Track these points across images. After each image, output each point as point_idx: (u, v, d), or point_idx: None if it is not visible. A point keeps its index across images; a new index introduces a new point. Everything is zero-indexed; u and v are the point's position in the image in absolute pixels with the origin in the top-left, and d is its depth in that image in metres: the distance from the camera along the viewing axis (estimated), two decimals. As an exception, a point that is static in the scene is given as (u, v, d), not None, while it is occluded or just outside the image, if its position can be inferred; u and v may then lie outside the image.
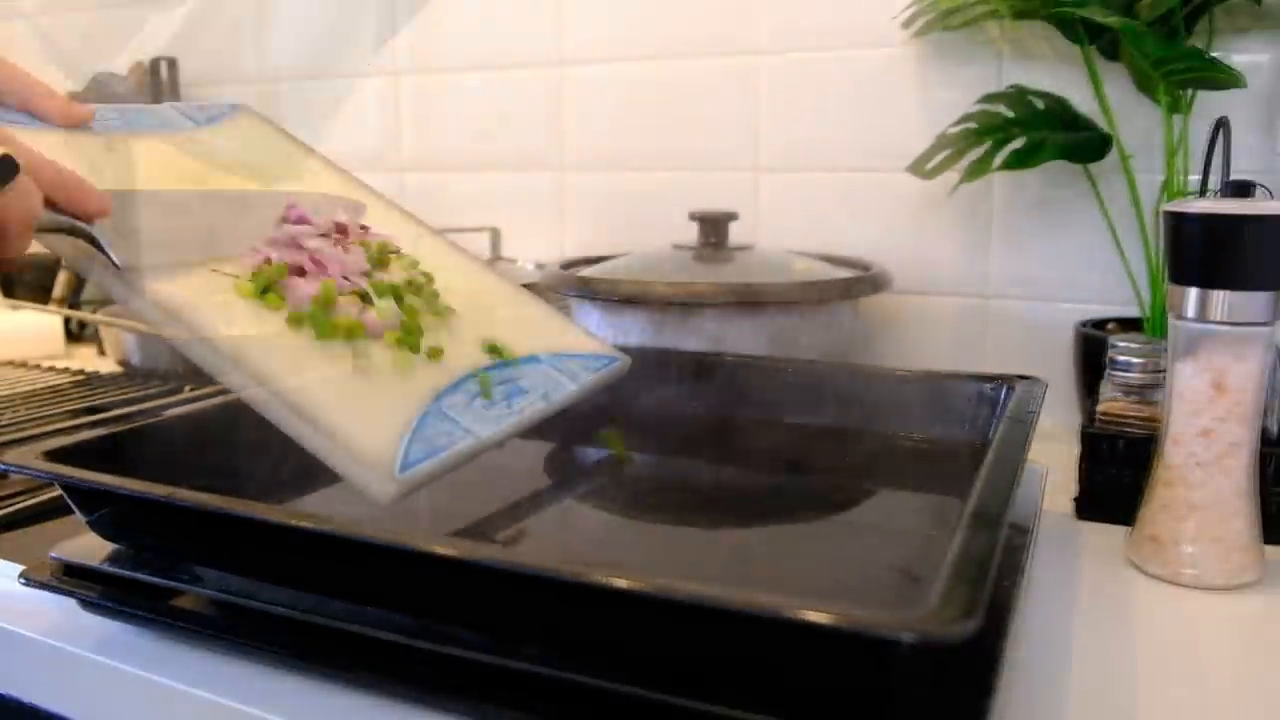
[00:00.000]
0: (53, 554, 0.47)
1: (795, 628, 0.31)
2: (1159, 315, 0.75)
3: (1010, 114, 0.79)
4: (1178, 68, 0.68)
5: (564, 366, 0.52)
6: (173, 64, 1.26)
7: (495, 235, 1.04)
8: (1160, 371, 0.60)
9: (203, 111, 0.56)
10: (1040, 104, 0.79)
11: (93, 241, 0.44)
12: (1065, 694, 0.42)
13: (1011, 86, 0.80)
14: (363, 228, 0.53)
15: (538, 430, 0.66)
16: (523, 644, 0.37)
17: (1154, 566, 0.54)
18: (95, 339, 1.16)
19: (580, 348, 0.55)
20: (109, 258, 0.45)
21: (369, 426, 0.43)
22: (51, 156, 0.42)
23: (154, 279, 0.46)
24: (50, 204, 0.43)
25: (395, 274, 0.51)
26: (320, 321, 0.46)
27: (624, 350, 0.74)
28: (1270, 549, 0.55)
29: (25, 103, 0.48)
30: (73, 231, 0.44)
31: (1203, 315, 0.51)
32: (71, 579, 0.46)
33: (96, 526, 0.47)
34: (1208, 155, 0.56)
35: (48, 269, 1.31)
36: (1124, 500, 0.60)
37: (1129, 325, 0.80)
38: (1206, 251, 0.50)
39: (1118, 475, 0.61)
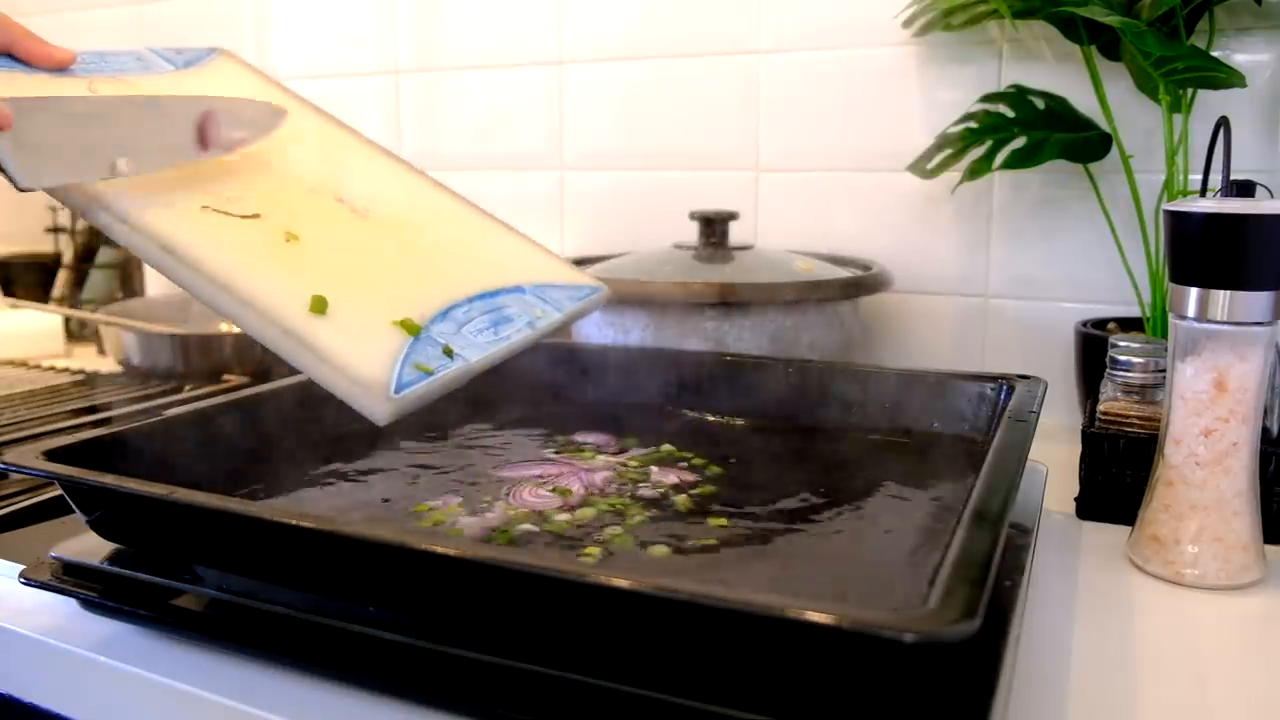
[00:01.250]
0: (53, 554, 0.47)
1: (796, 628, 0.31)
2: (1159, 315, 0.75)
3: (1011, 114, 0.79)
4: (1178, 67, 0.68)
5: (547, 296, 0.55)
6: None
7: (495, 235, 1.04)
8: (1161, 371, 0.60)
9: (181, 55, 0.57)
10: (1040, 104, 0.79)
11: None
12: (1065, 694, 0.42)
13: (1012, 86, 0.80)
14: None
15: (532, 422, 0.67)
16: (523, 644, 0.37)
17: (1155, 566, 0.54)
18: (95, 339, 1.16)
19: (562, 279, 0.57)
20: (11, 179, 0.40)
21: (364, 353, 0.45)
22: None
23: (140, 209, 0.45)
24: None
25: None
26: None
27: (624, 350, 0.74)
28: (1271, 548, 0.55)
29: (8, 46, 0.46)
30: None
31: (1204, 315, 0.51)
32: (71, 579, 0.46)
33: (96, 526, 0.47)
34: (1209, 155, 0.56)
35: (47, 269, 1.31)
36: (1125, 500, 0.60)
37: (1129, 325, 0.80)
38: (1207, 251, 0.50)
39: (1119, 475, 0.61)
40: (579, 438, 0.65)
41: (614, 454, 0.62)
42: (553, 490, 0.55)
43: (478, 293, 0.52)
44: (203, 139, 0.50)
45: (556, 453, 0.62)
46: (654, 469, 0.59)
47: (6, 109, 0.39)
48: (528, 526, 0.50)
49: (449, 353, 0.47)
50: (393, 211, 0.55)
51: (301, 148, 0.56)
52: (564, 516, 0.52)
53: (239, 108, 0.53)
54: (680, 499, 0.54)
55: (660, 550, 0.47)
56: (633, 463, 0.60)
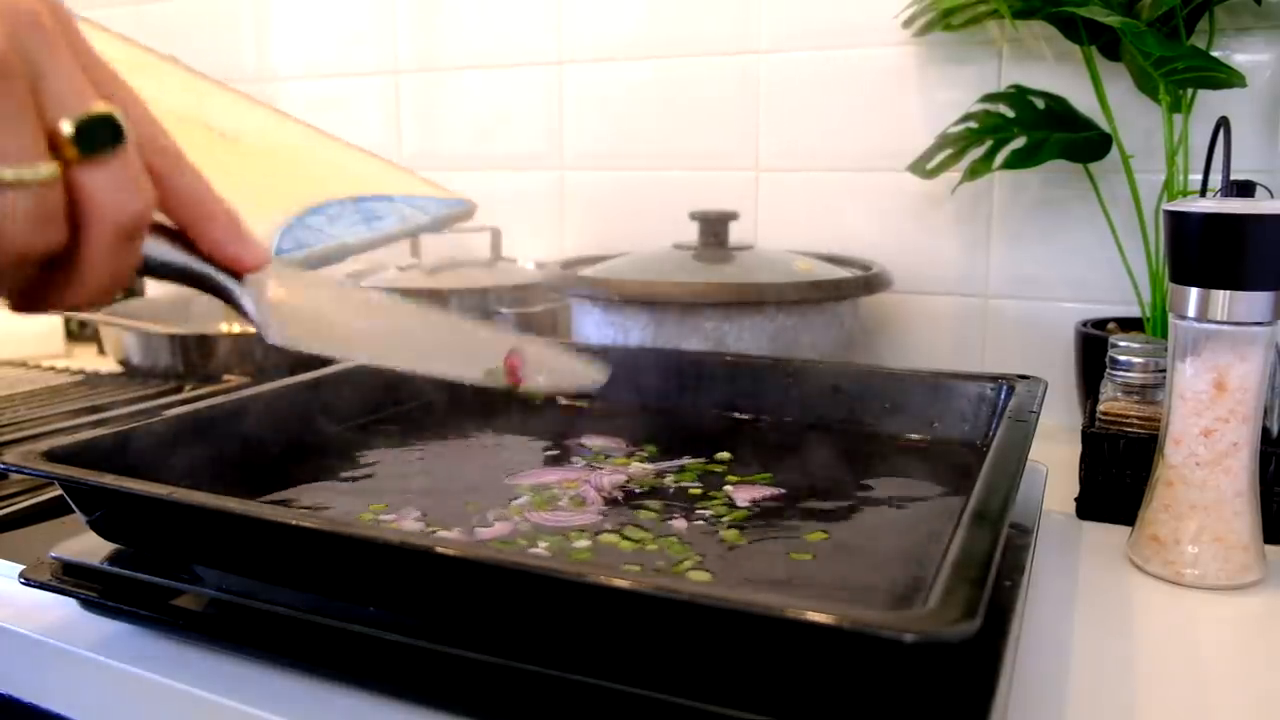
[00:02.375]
0: (53, 554, 0.47)
1: (796, 628, 0.31)
2: (1159, 315, 0.75)
3: (1010, 114, 0.79)
4: (1178, 67, 0.68)
5: (417, 204, 0.61)
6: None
7: (495, 235, 1.04)
8: (1161, 371, 0.60)
9: None
10: (1040, 104, 0.79)
11: (228, 300, 0.35)
12: (1065, 694, 0.42)
13: (1011, 86, 0.80)
14: None
15: (535, 430, 0.66)
16: (523, 644, 0.37)
17: (1155, 566, 0.54)
18: (95, 339, 1.16)
19: (431, 194, 0.63)
20: (250, 321, 0.35)
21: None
22: None
23: None
24: (180, 238, 0.32)
25: None
26: None
27: (625, 350, 0.74)
28: (1271, 548, 0.55)
29: None
30: (199, 282, 0.34)
31: (1204, 315, 0.51)
32: (71, 579, 0.46)
33: (96, 526, 0.47)
34: (1209, 155, 0.56)
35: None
36: (1125, 500, 0.60)
37: (1129, 325, 0.80)
38: (1207, 251, 0.50)
39: (1119, 475, 0.61)
40: (587, 441, 0.65)
41: (628, 458, 0.61)
42: (570, 501, 0.53)
43: (349, 197, 0.56)
44: (511, 372, 0.46)
45: (563, 458, 0.62)
46: (658, 467, 0.59)
47: (266, 250, 0.34)
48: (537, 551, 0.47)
49: (324, 234, 0.51)
50: (263, 140, 0.59)
51: (167, 89, 0.58)
52: (586, 542, 0.48)
53: (547, 356, 0.49)
54: (674, 497, 0.54)
55: (701, 575, 0.44)
56: (653, 468, 0.59)
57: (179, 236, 0.33)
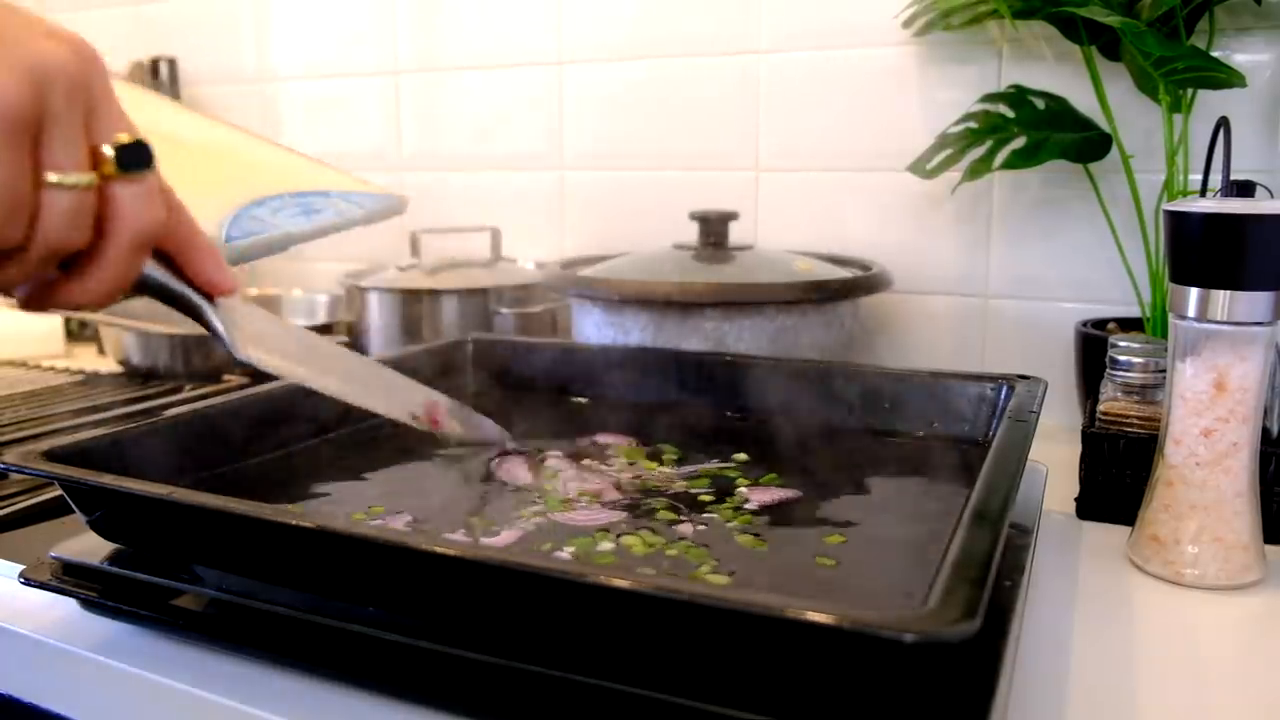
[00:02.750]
0: (53, 554, 0.47)
1: (796, 628, 0.31)
2: (1159, 315, 0.75)
3: (1010, 114, 0.79)
4: (1178, 67, 0.68)
5: (352, 199, 0.65)
6: (173, 63, 1.26)
7: (495, 235, 1.04)
8: (1161, 371, 0.60)
9: None
10: (1040, 104, 0.79)
11: (200, 319, 0.42)
12: (1065, 694, 0.42)
13: (1011, 86, 0.80)
14: None
15: (546, 430, 0.66)
16: (523, 644, 0.37)
17: (1155, 566, 0.54)
18: (95, 339, 1.16)
19: (365, 190, 0.67)
20: (221, 340, 0.42)
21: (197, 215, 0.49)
22: None
23: None
24: (166, 262, 0.39)
25: None
26: None
27: (624, 350, 0.74)
28: (1271, 549, 0.55)
29: None
30: (177, 302, 0.41)
31: (1204, 315, 0.51)
32: (71, 579, 0.46)
33: (96, 526, 0.47)
34: (1209, 155, 0.56)
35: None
36: (1125, 500, 0.60)
37: (1129, 325, 0.80)
38: (1208, 251, 0.50)
39: (1119, 475, 0.61)
40: (601, 439, 0.65)
41: (652, 460, 0.61)
42: (587, 497, 0.53)
43: (288, 192, 0.60)
44: (431, 419, 0.55)
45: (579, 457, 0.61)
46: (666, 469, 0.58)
47: (235, 277, 0.42)
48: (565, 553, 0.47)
49: (269, 224, 0.55)
50: (200, 141, 0.61)
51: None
52: (609, 546, 0.48)
53: (458, 410, 0.57)
54: (674, 497, 0.54)
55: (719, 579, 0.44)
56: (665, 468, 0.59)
57: (165, 260, 0.40)
